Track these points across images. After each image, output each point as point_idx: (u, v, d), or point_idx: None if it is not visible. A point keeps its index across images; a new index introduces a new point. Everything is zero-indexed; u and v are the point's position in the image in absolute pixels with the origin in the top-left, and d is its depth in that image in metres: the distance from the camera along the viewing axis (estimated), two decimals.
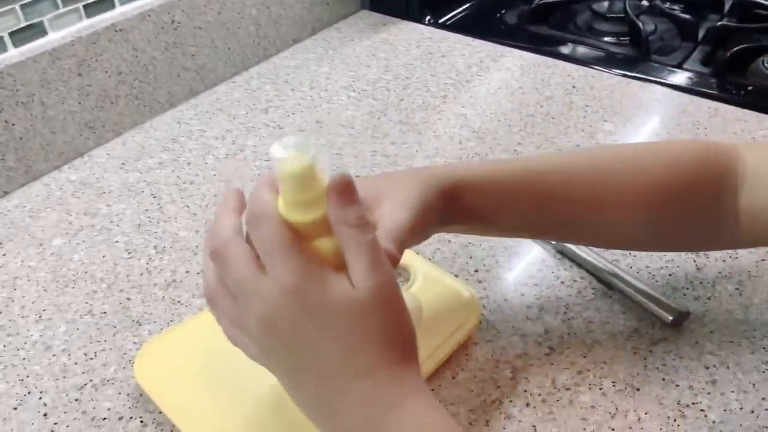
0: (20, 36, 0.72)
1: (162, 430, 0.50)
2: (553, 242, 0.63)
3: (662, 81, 0.91)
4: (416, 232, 0.44)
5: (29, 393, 0.53)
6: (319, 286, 0.35)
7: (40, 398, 0.53)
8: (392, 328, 0.36)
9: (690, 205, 0.49)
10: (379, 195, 0.44)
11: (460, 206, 0.47)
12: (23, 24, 0.72)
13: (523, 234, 0.59)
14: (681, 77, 0.92)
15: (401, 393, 0.36)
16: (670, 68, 0.94)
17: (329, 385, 0.36)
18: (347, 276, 0.36)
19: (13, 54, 0.71)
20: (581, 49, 1.01)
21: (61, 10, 0.75)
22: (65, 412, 0.52)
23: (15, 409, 0.52)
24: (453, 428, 0.36)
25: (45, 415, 0.52)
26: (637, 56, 0.98)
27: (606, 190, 0.49)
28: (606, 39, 1.04)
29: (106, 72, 0.79)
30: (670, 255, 0.62)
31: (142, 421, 0.51)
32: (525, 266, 0.62)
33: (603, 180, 0.49)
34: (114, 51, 0.79)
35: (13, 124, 0.72)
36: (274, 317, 0.35)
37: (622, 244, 0.57)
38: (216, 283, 0.39)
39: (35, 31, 0.73)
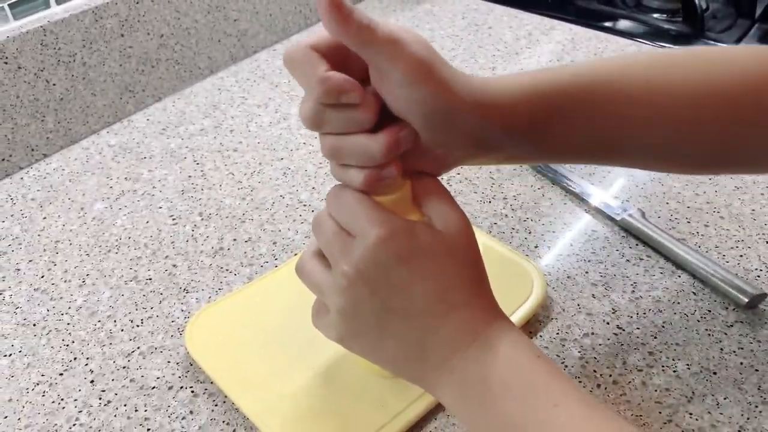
0: None
1: (214, 400, 0.48)
2: (618, 218, 0.60)
3: None
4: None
5: (75, 359, 0.51)
6: (407, 233, 0.36)
7: (87, 364, 0.51)
8: (477, 264, 0.38)
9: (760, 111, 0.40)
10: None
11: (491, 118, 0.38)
12: None
13: (563, 157, 0.47)
14: None
15: (488, 319, 0.37)
16: (727, 45, 0.90)
17: (423, 324, 0.36)
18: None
19: (56, 11, 0.69)
20: (632, 25, 0.98)
21: None
22: (113, 380, 0.50)
23: (61, 374, 0.50)
24: (537, 350, 0.37)
25: (92, 381, 0.50)
26: (690, 32, 0.94)
27: (665, 95, 0.40)
28: (655, 15, 1.00)
29: (148, 34, 0.76)
30: (740, 235, 0.59)
31: (192, 391, 0.49)
32: (588, 243, 0.59)
33: (661, 85, 0.40)
34: (156, 12, 0.76)
35: (54, 84, 0.70)
36: (366, 267, 0.35)
37: (678, 162, 0.44)
38: (308, 253, 0.40)
39: None
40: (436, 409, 0.46)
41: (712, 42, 0.91)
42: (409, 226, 0.36)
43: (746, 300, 0.52)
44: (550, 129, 0.39)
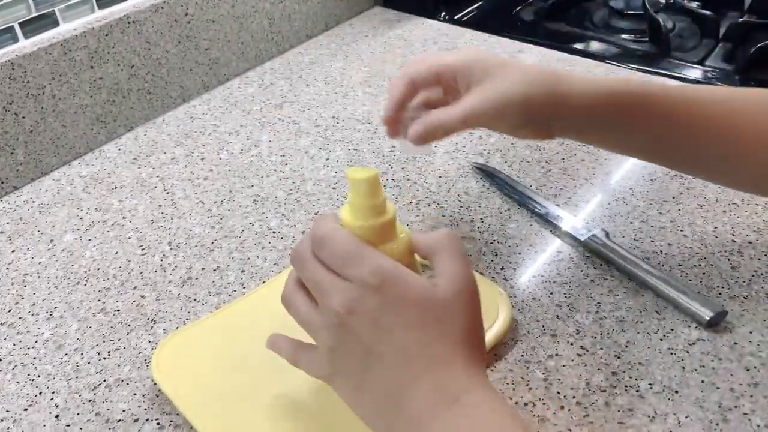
0: (31, 26, 0.70)
1: None
2: (582, 239, 0.61)
3: (685, 77, 0.89)
4: (502, 118, 0.51)
5: (40, 393, 0.51)
6: (399, 282, 0.36)
7: (52, 399, 0.51)
8: (469, 328, 0.38)
9: None
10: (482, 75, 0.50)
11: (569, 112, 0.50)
12: (34, 14, 0.70)
13: (641, 155, 0.57)
14: (704, 74, 0.90)
15: (471, 384, 0.36)
16: (691, 65, 0.92)
17: (401, 374, 0.36)
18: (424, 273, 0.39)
19: (24, 45, 0.69)
20: (600, 46, 0.99)
21: (73, 1, 0.73)
22: (78, 414, 0.50)
23: (26, 410, 0.50)
24: (518, 422, 0.36)
25: (57, 416, 0.50)
26: (657, 53, 0.96)
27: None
28: (624, 36, 1.02)
29: (119, 65, 0.77)
30: (702, 253, 0.60)
31: (158, 423, 0.49)
32: (553, 264, 0.60)
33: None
34: (126, 43, 0.77)
35: (23, 117, 0.70)
36: (354, 308, 0.36)
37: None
38: (292, 285, 0.41)
39: (46, 21, 0.71)
40: None
41: (678, 61, 0.93)
42: (402, 273, 0.37)
43: (708, 318, 0.53)
44: (627, 122, 0.51)
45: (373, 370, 0.37)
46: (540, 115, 0.50)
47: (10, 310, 0.58)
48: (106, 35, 0.75)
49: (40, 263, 0.63)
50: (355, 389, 0.38)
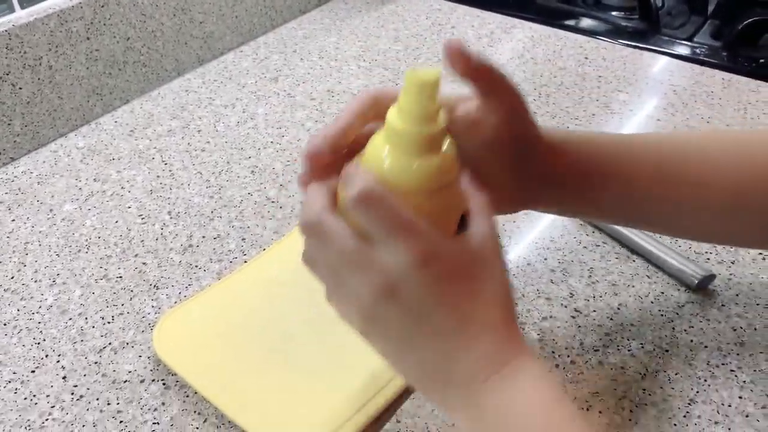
0: None
1: (185, 392, 0.49)
2: None
3: (674, 53, 0.90)
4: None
5: (47, 356, 0.52)
6: (446, 254, 0.34)
7: (58, 361, 0.52)
8: (507, 285, 0.37)
9: None
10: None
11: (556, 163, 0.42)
12: None
13: (615, 220, 0.51)
14: (692, 50, 0.92)
15: (517, 349, 0.35)
16: (680, 41, 0.94)
17: (451, 345, 0.35)
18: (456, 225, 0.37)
19: (20, 15, 0.69)
20: (591, 22, 1.00)
21: None
22: (85, 375, 0.51)
23: (33, 372, 0.51)
24: (560, 393, 0.36)
25: (64, 378, 0.50)
26: (647, 29, 0.97)
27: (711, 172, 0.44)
28: (614, 13, 1.03)
29: (114, 37, 0.77)
30: None
31: (164, 384, 0.50)
32: (546, 231, 0.62)
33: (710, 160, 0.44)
34: (122, 15, 0.77)
35: (20, 88, 0.70)
36: (394, 291, 0.33)
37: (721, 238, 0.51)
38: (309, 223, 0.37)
39: None
40: (405, 395, 0.48)
41: (667, 37, 0.94)
42: (446, 247, 0.34)
43: (696, 281, 0.55)
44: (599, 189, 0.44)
45: (418, 344, 0.35)
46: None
47: (12, 277, 0.59)
48: (102, 6, 0.75)
49: (40, 232, 0.64)
50: (396, 352, 0.37)
